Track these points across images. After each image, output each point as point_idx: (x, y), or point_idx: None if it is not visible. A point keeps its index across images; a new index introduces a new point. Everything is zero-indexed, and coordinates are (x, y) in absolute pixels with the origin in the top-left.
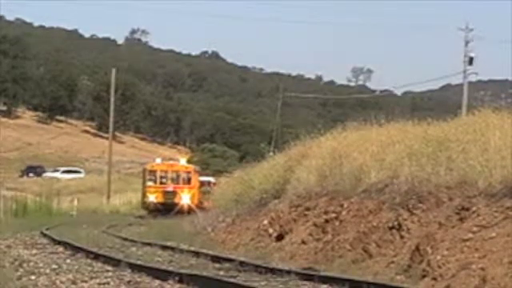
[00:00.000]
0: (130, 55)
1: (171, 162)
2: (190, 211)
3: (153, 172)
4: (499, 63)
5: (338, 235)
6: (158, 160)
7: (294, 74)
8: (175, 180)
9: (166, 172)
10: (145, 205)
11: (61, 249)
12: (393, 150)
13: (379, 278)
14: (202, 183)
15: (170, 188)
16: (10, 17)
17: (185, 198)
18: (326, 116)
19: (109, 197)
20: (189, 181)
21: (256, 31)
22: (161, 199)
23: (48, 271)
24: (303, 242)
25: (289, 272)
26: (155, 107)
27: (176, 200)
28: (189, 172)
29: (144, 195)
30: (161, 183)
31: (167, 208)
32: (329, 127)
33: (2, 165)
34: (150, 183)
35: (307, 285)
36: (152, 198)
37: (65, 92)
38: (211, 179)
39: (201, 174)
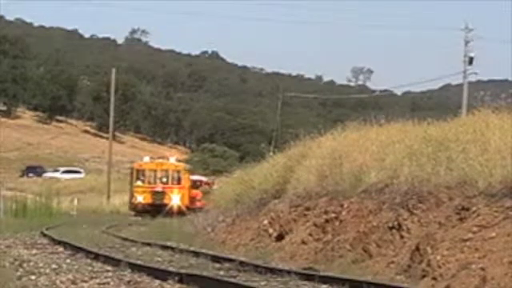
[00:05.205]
0: (130, 55)
1: (160, 161)
2: (180, 212)
3: (141, 171)
4: (499, 63)
5: (338, 235)
6: (147, 158)
7: (294, 73)
8: (164, 179)
9: (154, 171)
10: (132, 205)
11: (61, 249)
12: (393, 150)
13: (379, 278)
14: (194, 182)
15: (159, 188)
16: (9, 17)
17: (175, 199)
18: (326, 116)
19: (109, 197)
20: (179, 180)
21: (256, 31)
22: (149, 200)
23: (48, 271)
24: (303, 242)
25: (289, 272)
26: (155, 107)
27: (165, 201)
28: (179, 171)
29: (132, 195)
30: (149, 183)
31: (156, 209)
32: (329, 127)
33: (1, 165)
34: (138, 183)
35: (307, 285)
36: (140, 198)
37: (65, 92)
38: (203, 178)
39: (192, 173)
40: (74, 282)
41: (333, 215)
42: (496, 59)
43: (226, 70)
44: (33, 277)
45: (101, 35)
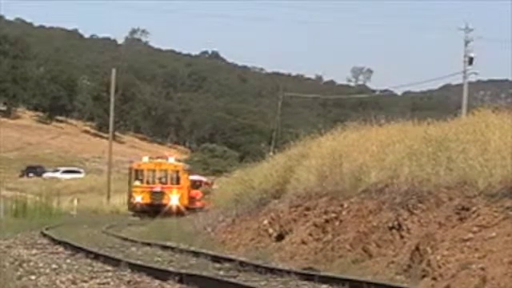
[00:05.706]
0: (130, 55)
1: (159, 161)
2: (178, 213)
3: (139, 171)
4: (499, 63)
5: (338, 235)
6: (145, 158)
7: (294, 73)
8: (163, 179)
9: (153, 171)
10: (131, 206)
11: (61, 249)
12: (393, 150)
13: (379, 278)
14: (194, 182)
15: (158, 188)
16: (9, 17)
17: (173, 199)
18: (326, 116)
19: (109, 197)
20: (178, 180)
21: (256, 31)
22: (148, 200)
23: (48, 271)
24: (303, 242)
25: (289, 272)
26: (155, 107)
27: (164, 201)
28: (177, 171)
29: (130, 196)
30: (148, 183)
31: (155, 209)
32: (329, 127)
33: (1, 165)
34: (136, 183)
35: (307, 285)
36: (138, 198)
37: (65, 92)
38: (203, 178)
39: (192, 173)
40: (74, 282)
41: (333, 215)
42: (496, 59)
43: (225, 70)
44: (33, 277)
45: (101, 35)
